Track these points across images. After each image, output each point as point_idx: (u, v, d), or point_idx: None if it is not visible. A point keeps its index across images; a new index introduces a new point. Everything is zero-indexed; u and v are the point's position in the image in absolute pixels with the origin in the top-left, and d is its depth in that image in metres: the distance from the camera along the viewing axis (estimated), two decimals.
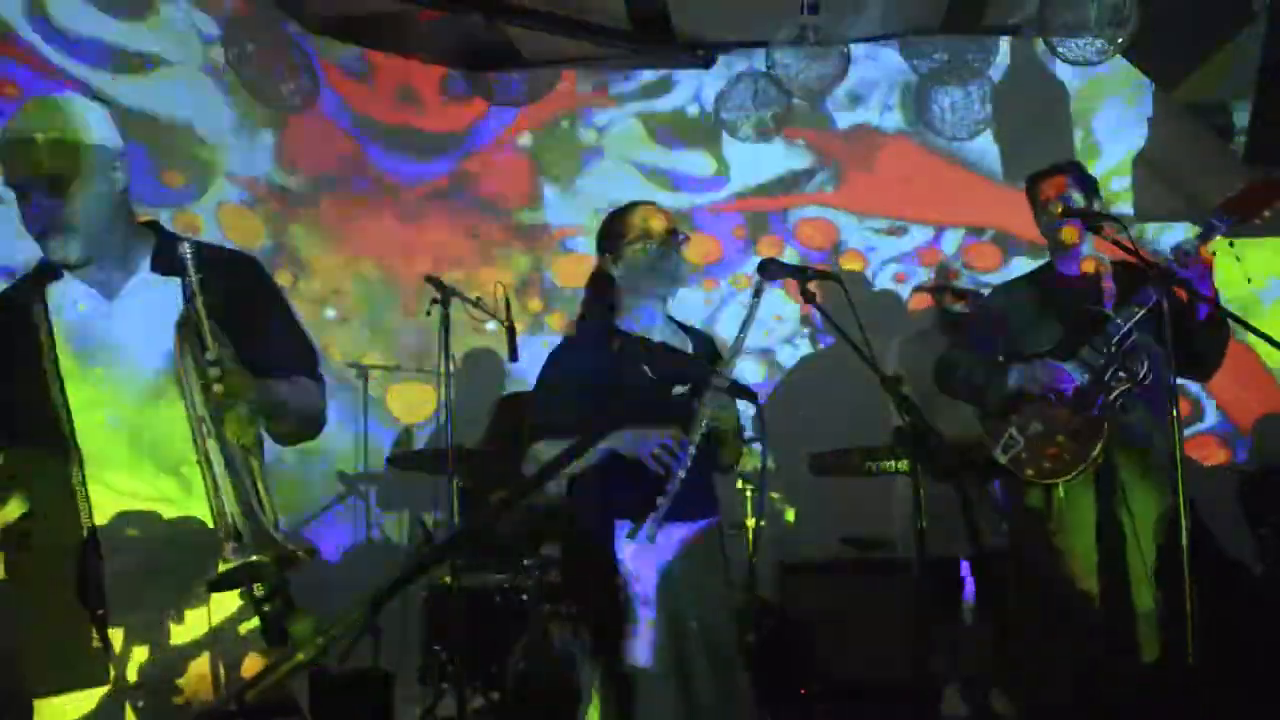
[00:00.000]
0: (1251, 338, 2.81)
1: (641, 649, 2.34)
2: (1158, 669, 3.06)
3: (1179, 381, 3.03)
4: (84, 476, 1.83)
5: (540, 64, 6.05)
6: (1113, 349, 3.10)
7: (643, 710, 2.31)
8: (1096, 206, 3.28)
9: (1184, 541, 2.72)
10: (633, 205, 2.69)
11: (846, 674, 4.14)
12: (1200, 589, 2.72)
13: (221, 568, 1.74)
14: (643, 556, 2.39)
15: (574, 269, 6.02)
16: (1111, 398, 3.11)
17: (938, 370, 3.47)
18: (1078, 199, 3.22)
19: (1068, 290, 3.30)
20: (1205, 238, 3.02)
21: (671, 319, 2.69)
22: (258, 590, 1.69)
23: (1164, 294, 2.98)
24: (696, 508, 2.48)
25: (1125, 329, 3.08)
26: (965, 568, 4.34)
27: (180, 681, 1.78)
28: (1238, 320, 2.87)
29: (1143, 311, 3.07)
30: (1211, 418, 5.59)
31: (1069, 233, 3.23)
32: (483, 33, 5.56)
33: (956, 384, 3.41)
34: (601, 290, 2.66)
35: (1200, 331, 3.08)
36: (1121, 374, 3.10)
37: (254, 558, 1.71)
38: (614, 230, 2.64)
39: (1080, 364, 3.14)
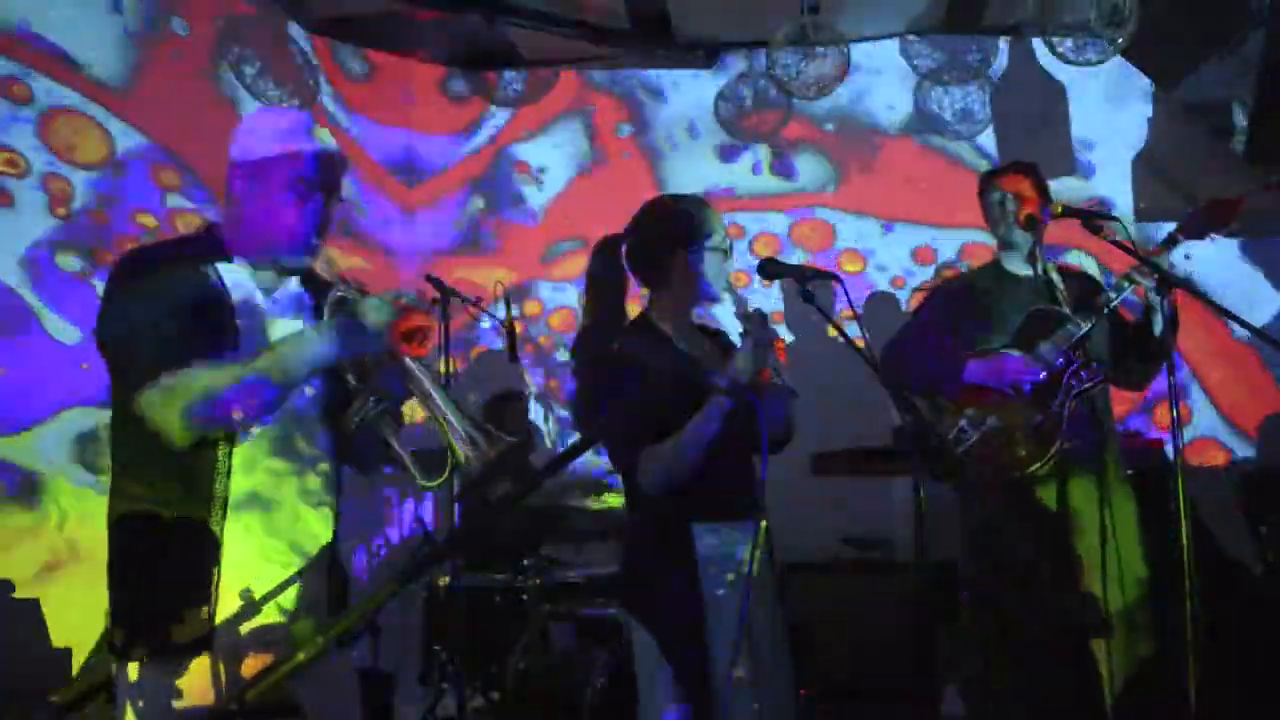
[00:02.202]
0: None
1: (720, 651, 2.29)
2: (1155, 669, 3.06)
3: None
4: (229, 466, 1.87)
5: (540, 64, 6.05)
6: (1074, 348, 3.11)
7: (724, 712, 2.25)
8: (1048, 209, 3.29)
9: (1185, 541, 2.72)
10: (703, 201, 2.55)
11: (846, 674, 4.14)
12: (1200, 589, 2.72)
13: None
14: (718, 557, 2.35)
15: (574, 270, 6.02)
16: (1071, 396, 3.11)
17: (885, 358, 3.36)
18: (1048, 200, 3.27)
19: (1020, 288, 3.30)
20: (1168, 245, 3.10)
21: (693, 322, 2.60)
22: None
23: (1163, 294, 3.00)
24: (749, 503, 2.40)
25: (1088, 329, 3.11)
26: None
27: (180, 683, 1.78)
28: (1239, 321, 2.86)
29: (1113, 305, 3.11)
30: (1205, 424, 5.59)
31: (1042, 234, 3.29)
32: (483, 33, 5.57)
33: (905, 373, 3.31)
34: (615, 285, 2.52)
35: (1153, 344, 3.09)
36: (1085, 374, 3.11)
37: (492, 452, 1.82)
38: (695, 228, 2.47)
39: (1040, 361, 3.14)
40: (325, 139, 1.99)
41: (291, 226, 1.93)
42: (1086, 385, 3.12)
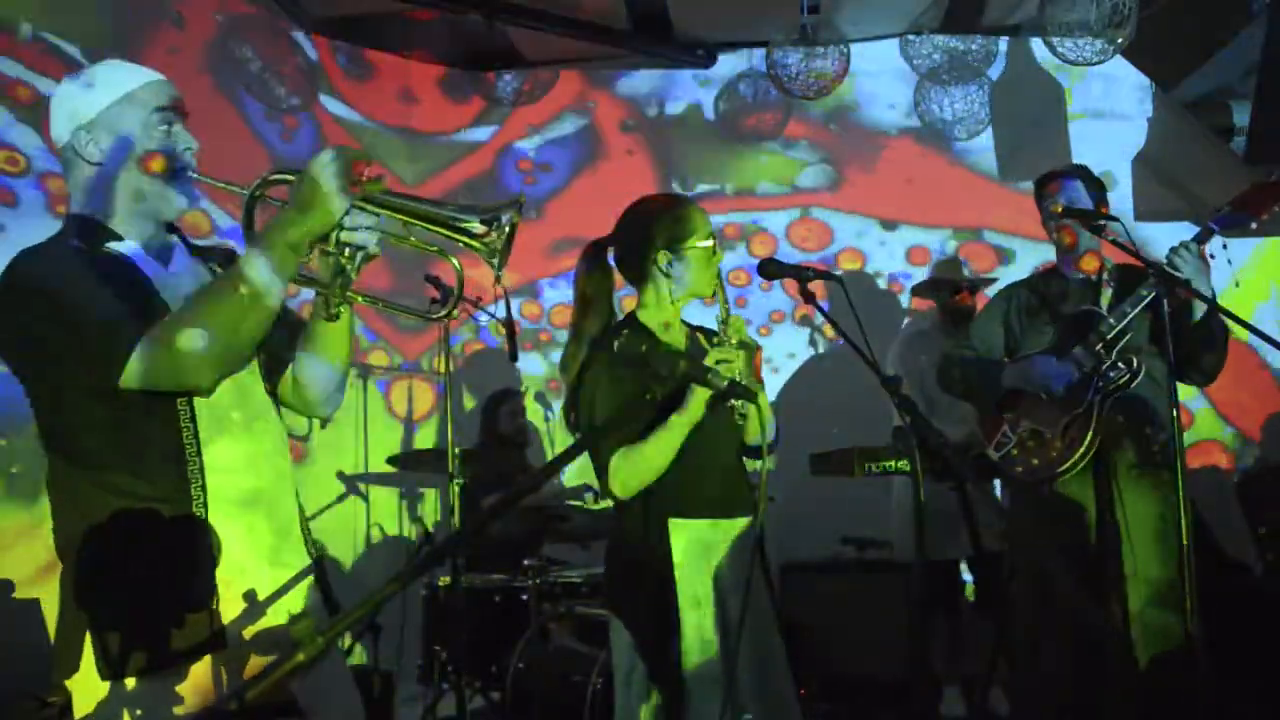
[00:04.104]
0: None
1: (692, 649, 2.30)
2: (1157, 669, 3.06)
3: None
4: (198, 446, 1.80)
5: (540, 64, 6.06)
6: (1105, 348, 3.12)
7: (693, 712, 2.27)
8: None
9: (1185, 541, 2.72)
10: (686, 200, 2.55)
11: (846, 674, 4.14)
12: (1200, 589, 2.72)
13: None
14: (695, 555, 2.36)
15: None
16: (1102, 397, 3.12)
17: (941, 368, 3.49)
18: (1080, 200, 3.24)
19: (1067, 291, 3.32)
20: (1202, 239, 3.05)
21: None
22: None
23: (1164, 294, 2.99)
24: (738, 503, 2.44)
25: (1118, 329, 3.10)
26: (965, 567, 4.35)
27: (182, 688, 1.76)
28: (1238, 320, 2.86)
29: (1135, 312, 3.09)
30: (1205, 424, 5.59)
31: (1066, 234, 3.26)
32: (483, 33, 5.57)
33: (956, 382, 3.43)
34: (603, 287, 2.52)
35: (1197, 334, 3.08)
36: (1112, 374, 3.12)
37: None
38: (677, 227, 2.46)
39: (1072, 362, 3.15)
40: (147, 69, 1.92)
41: (167, 157, 1.85)
42: (1116, 385, 3.12)
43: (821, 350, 6.03)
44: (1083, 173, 3.37)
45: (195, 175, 1.88)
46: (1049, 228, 3.36)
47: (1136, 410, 3.18)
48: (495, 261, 1.69)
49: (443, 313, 1.97)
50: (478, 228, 1.69)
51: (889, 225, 6.05)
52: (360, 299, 1.91)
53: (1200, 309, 3.07)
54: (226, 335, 1.71)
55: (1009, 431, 3.24)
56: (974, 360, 3.38)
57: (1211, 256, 3.05)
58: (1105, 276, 3.29)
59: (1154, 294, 3.03)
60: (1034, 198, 3.42)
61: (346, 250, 1.79)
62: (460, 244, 1.72)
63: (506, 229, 1.69)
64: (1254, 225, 3.03)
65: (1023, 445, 3.20)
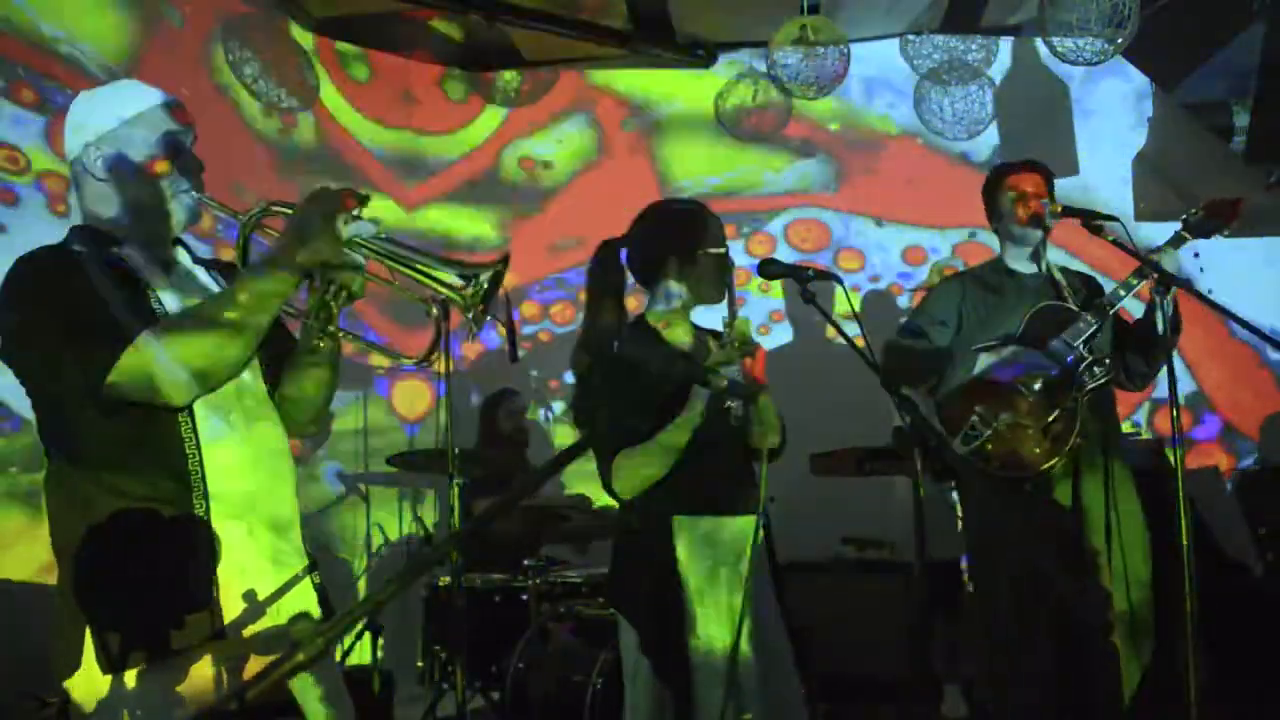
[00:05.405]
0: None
1: (697, 647, 2.31)
2: (1155, 670, 3.06)
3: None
4: (199, 451, 1.81)
5: (540, 64, 6.06)
6: (1084, 344, 3.12)
7: (698, 707, 2.27)
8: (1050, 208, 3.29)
9: (1185, 541, 2.72)
10: (702, 207, 2.56)
11: (846, 674, 4.14)
12: (1200, 589, 2.73)
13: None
14: (699, 552, 2.37)
15: (576, 270, 6.02)
16: (1083, 393, 3.11)
17: (888, 352, 3.35)
18: (1051, 200, 3.27)
19: (1025, 285, 3.31)
20: (1176, 243, 3.11)
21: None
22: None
23: (1163, 292, 3.00)
24: (742, 501, 2.44)
25: (1099, 325, 3.11)
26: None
27: (182, 689, 1.76)
28: (1237, 319, 2.86)
29: (1116, 308, 3.12)
30: (1205, 424, 5.58)
31: (1031, 216, 3.28)
32: (483, 33, 5.57)
33: (908, 368, 3.30)
34: (614, 288, 2.53)
35: (1159, 340, 3.08)
36: (1098, 369, 3.11)
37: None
38: (691, 233, 2.49)
39: (1049, 356, 3.13)
40: (159, 91, 1.96)
41: (173, 177, 1.89)
42: (1098, 382, 3.11)
43: (821, 350, 6.02)
44: (1042, 168, 3.38)
45: (198, 196, 1.91)
46: (1002, 216, 3.34)
47: (1107, 409, 3.19)
48: (470, 316, 1.73)
49: (420, 357, 1.99)
50: (456, 281, 1.72)
51: (889, 225, 6.05)
52: (344, 335, 1.94)
53: (1161, 321, 3.08)
54: (205, 359, 1.73)
55: (979, 424, 3.12)
56: (933, 346, 3.29)
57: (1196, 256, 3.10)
58: (1056, 274, 3.29)
59: (1142, 282, 3.06)
60: (989, 185, 3.41)
61: (331, 287, 1.83)
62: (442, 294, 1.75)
63: (485, 285, 1.72)
64: (1224, 233, 3.10)
65: (1000, 438, 3.11)
